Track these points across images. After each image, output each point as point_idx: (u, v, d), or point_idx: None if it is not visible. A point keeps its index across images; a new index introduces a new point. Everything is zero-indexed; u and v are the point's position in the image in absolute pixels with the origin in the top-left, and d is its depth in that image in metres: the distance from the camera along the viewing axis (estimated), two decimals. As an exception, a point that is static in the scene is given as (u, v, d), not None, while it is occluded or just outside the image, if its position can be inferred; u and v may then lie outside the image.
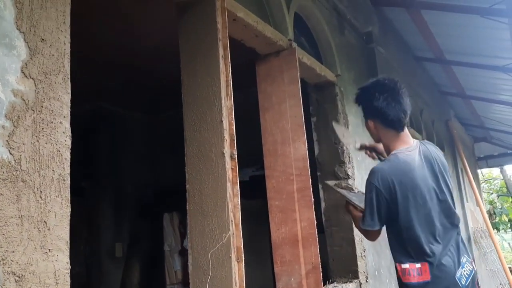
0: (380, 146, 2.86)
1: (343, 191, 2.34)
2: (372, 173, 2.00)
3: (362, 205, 2.19)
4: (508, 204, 16.25)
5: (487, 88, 7.51)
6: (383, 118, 2.08)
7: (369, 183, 1.99)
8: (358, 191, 2.41)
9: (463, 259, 1.97)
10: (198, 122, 2.23)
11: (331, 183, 2.50)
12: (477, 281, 2.02)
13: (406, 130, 2.12)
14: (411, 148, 2.04)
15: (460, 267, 1.93)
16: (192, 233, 2.17)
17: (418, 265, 1.92)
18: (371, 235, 2.08)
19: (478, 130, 11.26)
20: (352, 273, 3.38)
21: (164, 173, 5.51)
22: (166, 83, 4.21)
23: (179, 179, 5.15)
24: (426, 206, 1.94)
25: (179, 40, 2.35)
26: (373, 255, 3.75)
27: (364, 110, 2.23)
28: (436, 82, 7.96)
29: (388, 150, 2.11)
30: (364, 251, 3.54)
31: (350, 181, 3.54)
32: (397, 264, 1.97)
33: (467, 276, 1.94)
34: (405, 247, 1.94)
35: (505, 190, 15.86)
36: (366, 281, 3.47)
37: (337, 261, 3.44)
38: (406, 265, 1.93)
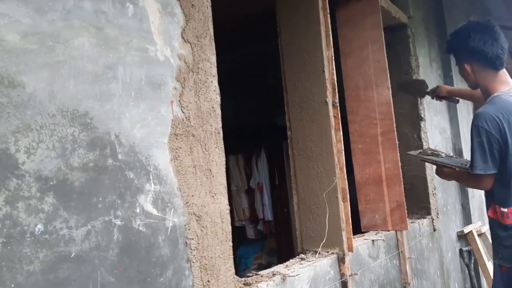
0: (442, 88, 2.92)
1: (431, 158, 2.35)
2: (478, 116, 2.00)
3: (457, 165, 2.23)
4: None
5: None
6: (482, 58, 2.08)
7: (476, 127, 1.99)
8: (445, 155, 2.44)
9: None
10: (299, 72, 2.34)
11: (414, 152, 2.49)
12: None
13: (504, 69, 2.11)
14: None
15: None
16: (297, 176, 2.36)
17: None
18: (483, 182, 2.05)
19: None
20: (424, 210, 3.56)
21: (224, 115, 5.68)
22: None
23: (239, 121, 5.33)
24: None
25: (276, -8, 2.41)
26: (441, 193, 3.91)
27: (458, 55, 2.22)
28: (494, 16, 7.65)
29: (487, 93, 2.11)
30: (434, 189, 3.69)
31: (422, 123, 3.63)
32: (497, 207, 2.05)
33: None
34: (509, 189, 1.99)
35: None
36: (437, 217, 3.66)
37: (409, 198, 3.60)
38: (505, 209, 2.01)
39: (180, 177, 1.40)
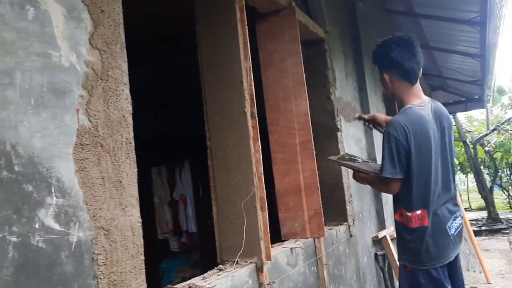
0: (379, 117, 2.89)
1: (349, 163, 2.47)
2: (390, 124, 2.16)
3: (371, 170, 2.37)
4: (458, 149, 17.33)
5: (448, 39, 7.90)
6: (399, 69, 2.23)
7: (387, 134, 2.14)
8: (362, 160, 2.57)
9: (457, 213, 2.24)
10: (218, 83, 2.35)
11: (333, 158, 2.61)
12: (462, 234, 2.28)
13: (418, 83, 2.28)
14: (424, 104, 2.23)
15: (452, 219, 2.20)
16: (216, 186, 2.35)
17: (418, 212, 2.15)
18: (391, 185, 2.19)
19: (436, 79, 11.84)
20: (342, 217, 3.71)
21: (146, 126, 5.55)
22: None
23: (161, 131, 5.22)
24: (435, 158, 2.15)
25: (195, 4, 2.41)
26: (357, 200, 4.10)
27: (380, 65, 2.35)
28: (403, 34, 8.22)
29: (402, 104, 2.27)
30: (351, 197, 3.86)
31: (339, 134, 3.80)
32: (404, 211, 2.19)
33: (456, 227, 2.22)
34: (413, 195, 2.14)
35: (457, 135, 16.88)
36: (353, 223, 3.83)
37: (328, 206, 3.73)
38: (410, 213, 2.16)
39: (87, 189, 1.33)
